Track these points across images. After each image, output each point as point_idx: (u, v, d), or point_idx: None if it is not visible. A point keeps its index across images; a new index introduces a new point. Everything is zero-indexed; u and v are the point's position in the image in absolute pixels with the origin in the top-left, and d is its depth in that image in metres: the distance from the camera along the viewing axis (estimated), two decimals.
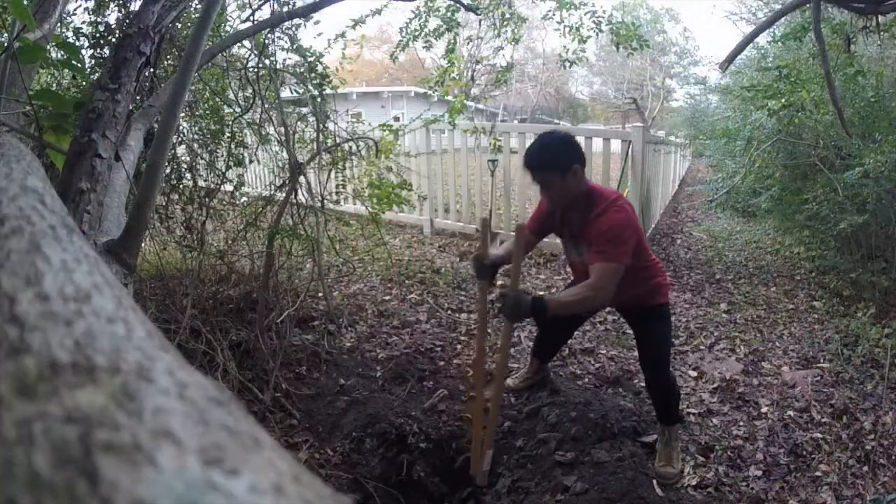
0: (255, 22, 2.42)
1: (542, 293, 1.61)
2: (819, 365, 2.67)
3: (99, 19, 2.39)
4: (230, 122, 2.85)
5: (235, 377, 2.27)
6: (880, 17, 2.91)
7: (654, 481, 1.87)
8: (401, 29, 3.74)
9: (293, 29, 2.70)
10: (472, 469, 1.78)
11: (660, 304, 1.92)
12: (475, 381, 1.78)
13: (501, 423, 2.24)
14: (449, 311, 3.31)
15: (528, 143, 4.56)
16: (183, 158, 2.87)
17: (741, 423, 2.22)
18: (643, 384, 2.36)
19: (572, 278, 2.13)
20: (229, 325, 2.63)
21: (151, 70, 1.47)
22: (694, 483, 1.89)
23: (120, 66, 1.15)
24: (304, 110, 3.00)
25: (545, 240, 4.46)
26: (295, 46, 2.71)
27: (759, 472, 1.93)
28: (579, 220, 1.77)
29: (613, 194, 1.79)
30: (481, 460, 1.73)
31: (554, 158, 1.69)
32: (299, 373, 2.54)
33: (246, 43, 2.62)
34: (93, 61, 2.27)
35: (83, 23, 2.41)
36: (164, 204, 2.80)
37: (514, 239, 1.73)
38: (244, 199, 3.39)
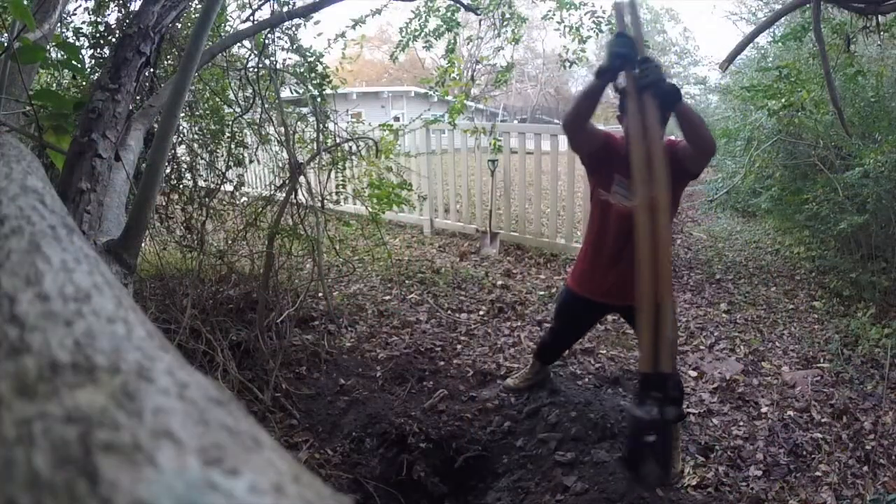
0: (255, 22, 2.43)
1: None
2: (819, 365, 2.67)
3: (99, 19, 2.40)
4: (230, 122, 2.86)
5: (235, 377, 2.27)
6: (880, 17, 2.90)
7: None
8: (401, 29, 3.75)
9: (293, 29, 2.70)
10: (642, 364, 1.39)
11: None
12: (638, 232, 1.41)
13: (502, 423, 2.25)
14: (449, 311, 3.31)
15: (528, 143, 4.59)
16: (183, 158, 2.88)
17: (741, 423, 2.21)
18: None
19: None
20: (229, 325, 2.63)
21: (151, 70, 1.47)
22: (694, 483, 1.89)
23: (120, 66, 1.15)
24: (304, 110, 3.01)
25: (546, 239, 4.49)
26: (295, 46, 2.72)
27: (759, 472, 1.93)
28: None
29: None
30: (657, 348, 1.32)
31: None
32: (299, 373, 2.54)
33: (246, 43, 2.62)
34: (93, 61, 2.27)
35: (83, 23, 2.42)
36: (164, 204, 2.80)
37: None
38: (244, 199, 3.39)
